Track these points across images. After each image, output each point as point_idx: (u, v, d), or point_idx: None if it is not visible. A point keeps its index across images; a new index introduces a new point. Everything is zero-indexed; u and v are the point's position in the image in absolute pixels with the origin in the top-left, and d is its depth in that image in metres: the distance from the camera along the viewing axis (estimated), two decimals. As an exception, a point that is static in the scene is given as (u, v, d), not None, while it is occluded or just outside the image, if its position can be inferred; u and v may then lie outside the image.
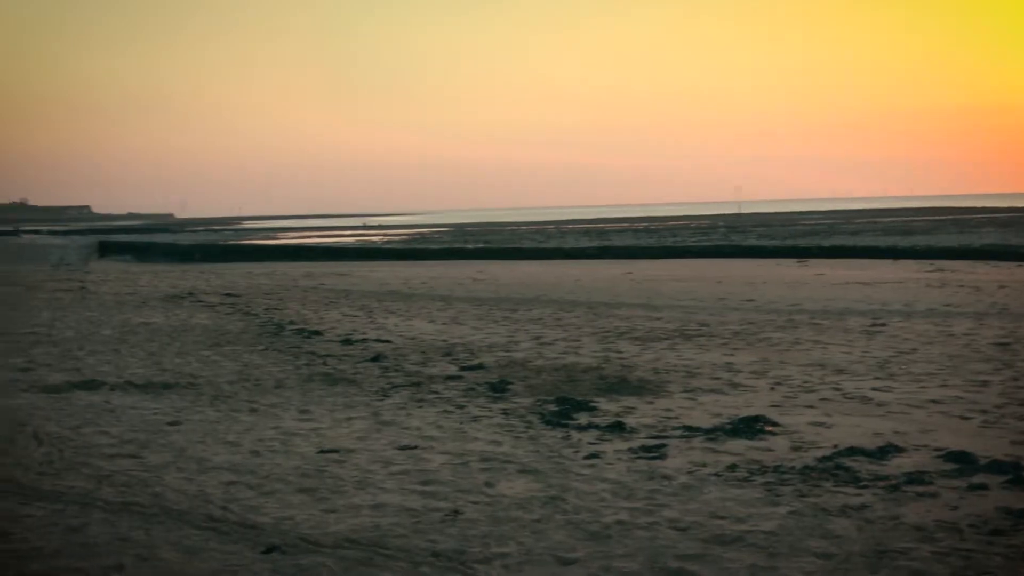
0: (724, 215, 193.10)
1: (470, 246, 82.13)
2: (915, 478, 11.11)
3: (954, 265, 49.39)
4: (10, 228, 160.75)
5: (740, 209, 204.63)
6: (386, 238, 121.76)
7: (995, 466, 11.41)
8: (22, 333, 25.13)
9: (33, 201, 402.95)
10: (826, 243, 76.53)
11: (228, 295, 36.86)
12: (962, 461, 11.69)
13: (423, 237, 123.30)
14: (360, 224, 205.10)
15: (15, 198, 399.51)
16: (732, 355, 20.42)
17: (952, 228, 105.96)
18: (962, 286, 35.50)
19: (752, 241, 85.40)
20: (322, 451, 12.63)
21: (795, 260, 56.54)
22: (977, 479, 11.00)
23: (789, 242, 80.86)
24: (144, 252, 72.57)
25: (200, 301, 34.43)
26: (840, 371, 18.27)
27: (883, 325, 24.75)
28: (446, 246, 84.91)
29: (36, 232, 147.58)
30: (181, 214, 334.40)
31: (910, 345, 21.29)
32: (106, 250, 72.25)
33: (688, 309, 29.60)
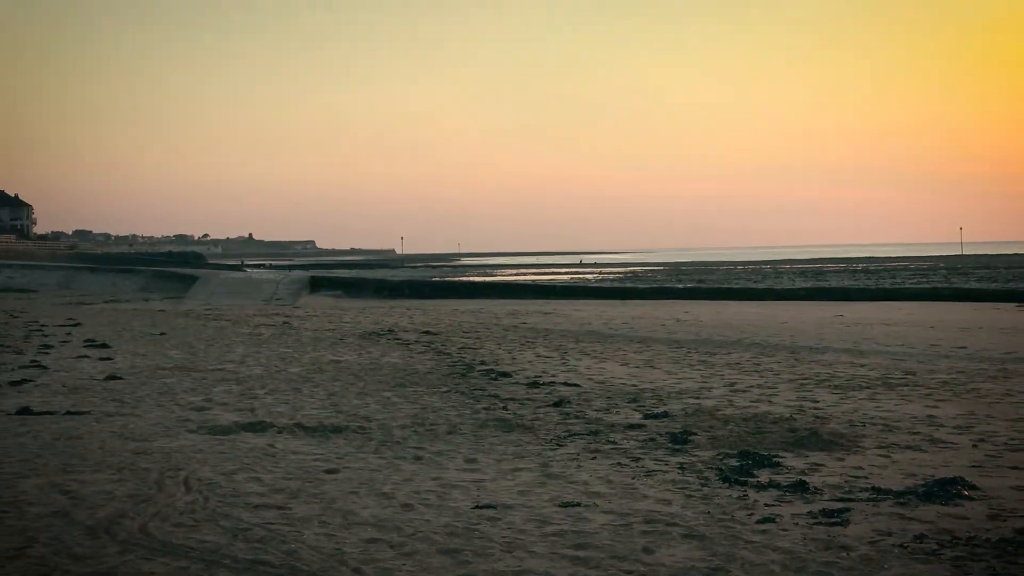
0: (946, 256, 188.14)
1: (679, 286, 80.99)
2: None
3: None
4: (236, 262, 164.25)
5: (963, 250, 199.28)
6: (599, 276, 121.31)
7: None
8: (211, 370, 25.02)
9: (258, 236, 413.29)
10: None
11: (426, 332, 36.55)
12: None
13: (635, 275, 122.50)
14: (577, 262, 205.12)
15: (243, 233, 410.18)
16: (936, 407, 19.16)
17: None
18: None
19: (972, 284, 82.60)
20: (478, 506, 11.91)
21: (1016, 304, 54.32)
22: None
23: (1011, 285, 78.01)
24: (354, 288, 73.12)
25: (397, 339, 34.16)
26: None
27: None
28: (655, 285, 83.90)
29: (260, 266, 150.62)
30: (402, 250, 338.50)
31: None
32: (317, 285, 72.93)
33: (895, 355, 28.25)
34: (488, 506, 11.92)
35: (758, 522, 11.27)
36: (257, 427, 17.07)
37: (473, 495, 12.50)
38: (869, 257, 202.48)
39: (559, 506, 11.97)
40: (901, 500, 12.14)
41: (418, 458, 14.82)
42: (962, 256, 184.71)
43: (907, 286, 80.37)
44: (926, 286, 77.87)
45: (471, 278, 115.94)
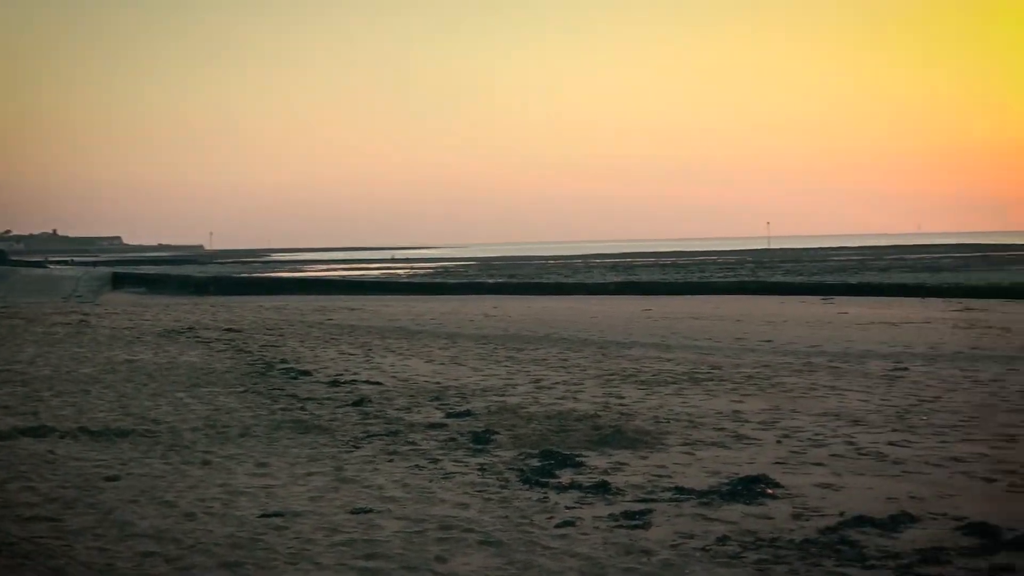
0: (753, 250, 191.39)
1: (490, 281, 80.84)
2: (929, 556, 9.69)
3: (983, 304, 47.89)
4: (39, 258, 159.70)
5: (769, 244, 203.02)
6: (411, 272, 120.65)
7: (1022, 543, 9.98)
8: (-4, 371, 23.85)
9: (64, 231, 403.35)
10: (853, 280, 75.02)
11: (229, 330, 35.56)
12: (984, 535, 10.26)
13: (447, 271, 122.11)
14: (388, 257, 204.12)
15: (47, 228, 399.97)
16: (741, 402, 19.00)
17: (982, 265, 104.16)
18: (990, 327, 34.01)
19: (779, 277, 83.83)
20: (265, 515, 11.27)
21: (820, 298, 55.12)
22: (1000, 559, 9.57)
23: (816, 279, 79.35)
24: (158, 284, 71.48)
25: (198, 337, 33.14)
26: (856, 422, 16.83)
27: (905, 370, 23.30)
28: (466, 280, 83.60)
29: (64, 263, 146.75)
30: (211, 246, 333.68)
31: (933, 392, 19.84)
32: (120, 282, 71.13)
33: (702, 350, 28.21)
34: (276, 514, 11.29)
35: (557, 526, 10.83)
36: (38, 432, 16.14)
37: (261, 502, 11.86)
38: (679, 251, 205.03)
39: (351, 513, 11.40)
40: (704, 500, 11.82)
41: (206, 463, 14.11)
42: (769, 250, 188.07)
43: (715, 279, 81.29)
44: (733, 280, 78.82)
45: (280, 274, 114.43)
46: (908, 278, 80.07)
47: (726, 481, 12.61)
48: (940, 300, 52.11)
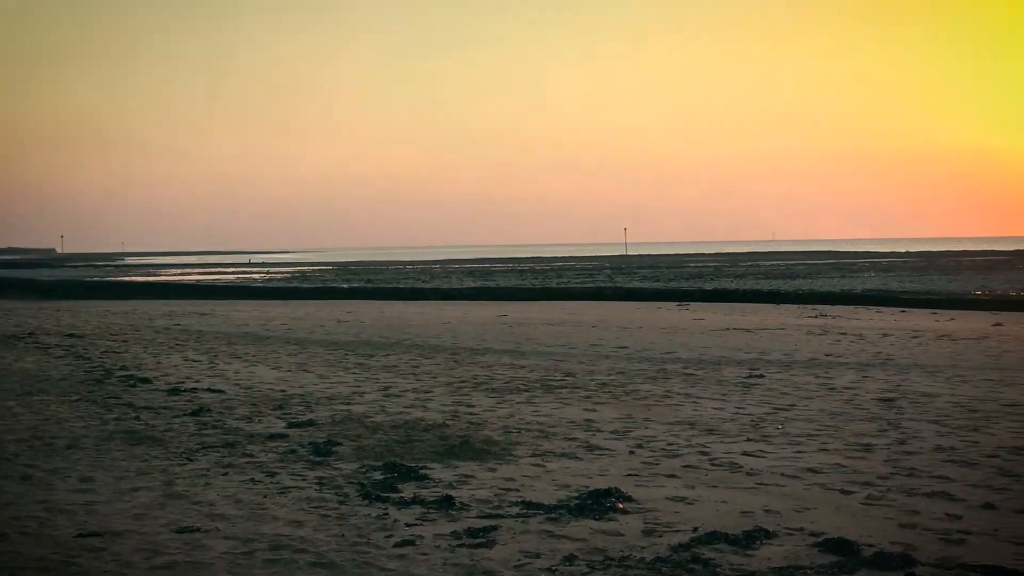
0: (612, 256, 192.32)
1: (344, 285, 79.90)
2: (786, 575, 9.24)
3: (836, 311, 48.16)
4: None
5: (627, 250, 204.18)
6: (267, 276, 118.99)
7: (880, 559, 9.57)
8: None
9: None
10: (708, 286, 75.39)
11: (71, 335, 34.37)
12: (842, 552, 9.84)
13: (304, 275, 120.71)
14: (246, 262, 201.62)
15: None
16: (594, 410, 18.51)
17: (834, 273, 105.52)
18: (844, 334, 34.01)
19: (636, 283, 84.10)
20: (82, 534, 10.49)
21: (676, 304, 55.13)
22: (859, 577, 9.15)
23: (672, 284, 79.70)
24: (0, 288, 69.37)
25: (37, 342, 31.94)
26: (710, 431, 16.42)
27: (760, 376, 23.02)
28: (320, 285, 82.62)
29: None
30: (63, 249, 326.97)
31: (788, 400, 19.54)
32: (-39, 286, 68.91)
33: (556, 356, 27.72)
34: (94, 533, 10.52)
35: (396, 545, 10.20)
36: None
37: (80, 521, 11.07)
38: (537, 257, 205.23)
39: (176, 532, 10.65)
40: (552, 515, 11.26)
41: (27, 477, 13.25)
42: (627, 256, 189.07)
43: (573, 285, 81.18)
44: (591, 286, 78.77)
45: (131, 278, 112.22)
46: (764, 284, 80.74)
47: (576, 495, 12.08)
48: (795, 306, 52.34)
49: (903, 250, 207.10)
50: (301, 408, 18.84)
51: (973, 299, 58.18)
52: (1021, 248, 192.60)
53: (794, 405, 18.94)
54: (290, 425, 17.03)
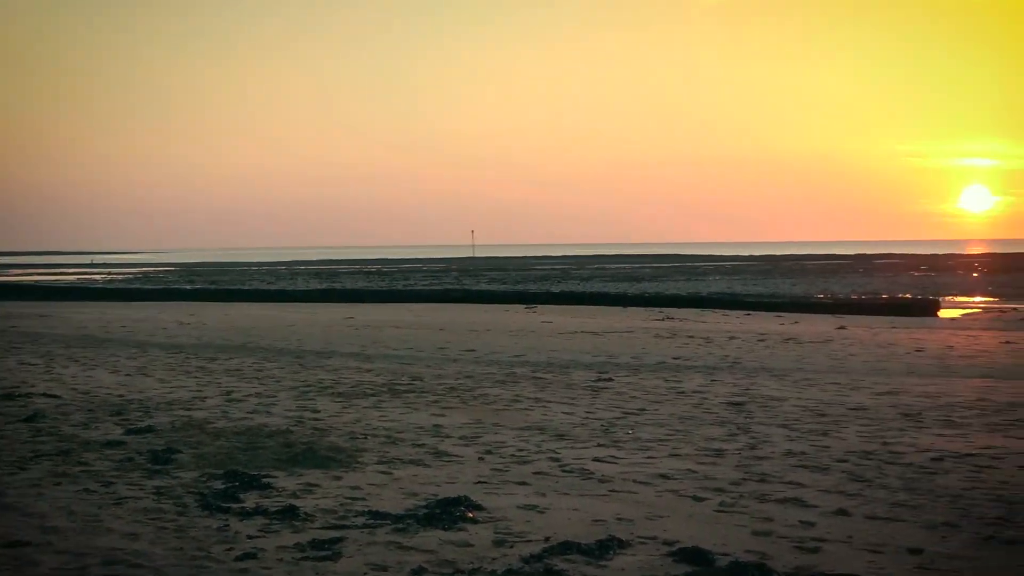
0: (459, 258, 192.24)
1: (188, 287, 78.63)
2: (640, 587, 9.00)
3: (683, 313, 48.48)
4: None
5: (474, 252, 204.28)
6: (109, 277, 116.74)
7: (736, 569, 9.37)
8: None
9: None
10: (556, 289, 75.53)
11: (-101, 338, 33.14)
12: (696, 561, 9.62)
13: (147, 276, 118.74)
14: (88, 262, 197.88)
15: None
16: (443, 415, 18.17)
17: (680, 276, 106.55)
18: (691, 337, 34.13)
19: (483, 286, 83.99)
20: (-100, 551, 9.89)
21: (524, 306, 55.07)
22: (715, 589, 8.93)
23: (520, 287, 79.72)
24: None
25: None
26: (560, 436, 16.17)
27: (609, 380, 22.88)
28: (163, 286, 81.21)
29: None
30: None
31: (638, 404, 19.39)
32: None
33: (403, 360, 27.35)
34: (-87, 550, 9.92)
35: (237, 559, 9.76)
36: None
37: (-101, 536, 10.44)
38: (384, 259, 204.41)
39: (5, 546, 10.09)
40: (400, 526, 10.90)
41: None
42: (474, 258, 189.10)
43: (420, 287, 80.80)
44: (438, 288, 78.49)
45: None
46: (611, 287, 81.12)
47: (424, 504, 11.73)
48: (642, 309, 52.58)
49: (747, 253, 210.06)
50: (140, 414, 18.22)
51: (816, 302, 58.99)
52: (862, 252, 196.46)
53: (644, 409, 18.80)
54: (128, 432, 16.43)
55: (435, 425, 17.11)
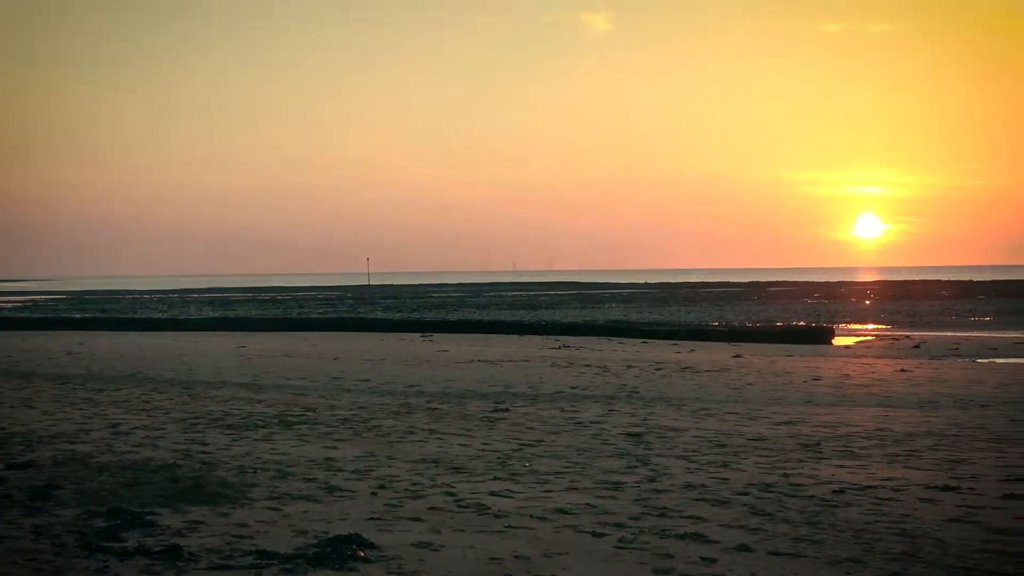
0: (354, 286, 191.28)
1: (77, 315, 77.35)
2: (539, 630, 8.64)
3: (580, 342, 48.32)
4: None
5: (370, 280, 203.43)
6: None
7: (637, 610, 9.05)
8: None
9: None
10: (452, 317, 75.23)
11: None
12: (596, 602, 9.29)
13: (35, 304, 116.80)
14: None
15: None
16: (335, 448, 17.72)
17: (576, 303, 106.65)
18: (588, 365, 33.92)
19: (379, 314, 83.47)
20: None
21: (420, 335, 54.66)
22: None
23: (415, 315, 79.30)
24: None
25: None
26: (456, 469, 15.80)
27: (506, 411, 22.55)
28: (52, 315, 79.79)
29: None
30: None
31: (535, 435, 19.08)
32: None
33: (296, 390, 26.84)
34: None
35: (115, 604, 9.28)
36: None
37: None
38: (278, 287, 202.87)
39: None
40: (289, 566, 10.46)
41: None
42: (370, 286, 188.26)
43: (315, 315, 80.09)
44: (333, 316, 77.86)
45: None
46: (507, 315, 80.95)
47: (314, 542, 11.29)
48: (539, 337, 52.39)
49: (642, 281, 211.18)
50: (21, 448, 17.57)
51: (712, 330, 59.19)
52: (756, 280, 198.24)
53: (541, 441, 18.48)
54: (8, 467, 15.79)
55: (327, 458, 16.66)
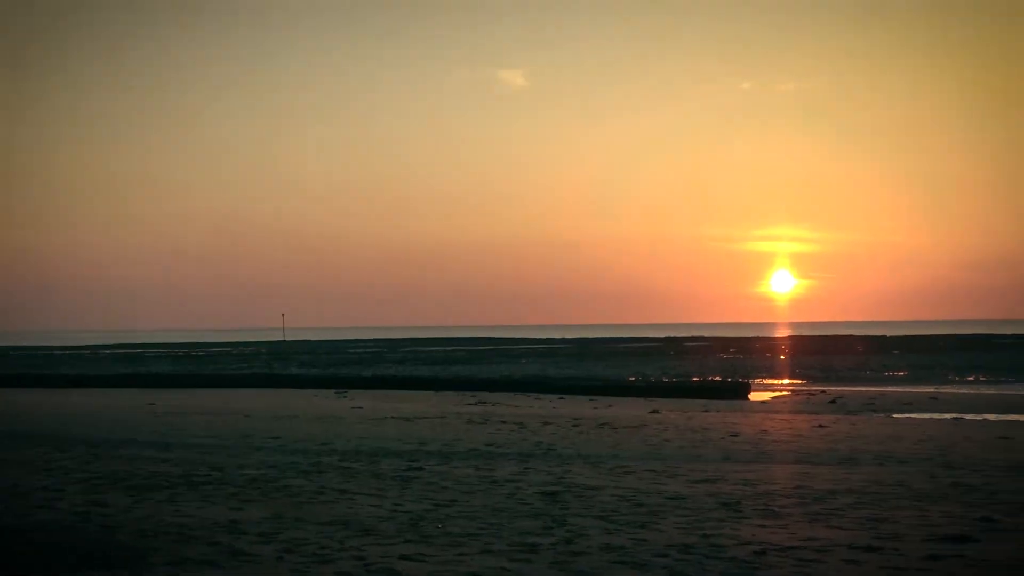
0: (269, 342, 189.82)
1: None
2: None
3: (496, 397, 47.92)
4: None
5: (284, 336, 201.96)
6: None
7: None
8: None
9: None
10: (367, 372, 74.60)
11: None
12: (510, 675, 8.80)
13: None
14: None
15: None
16: (241, 509, 17.09)
17: (493, 358, 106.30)
18: (504, 422, 33.47)
19: (294, 370, 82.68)
20: None
21: (335, 391, 54.03)
22: None
23: (331, 371, 78.57)
24: None
25: None
26: (366, 531, 15.23)
27: (420, 469, 22.01)
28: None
29: None
30: None
31: (448, 495, 18.55)
32: None
33: (204, 448, 26.13)
34: None
35: None
36: None
37: None
38: (191, 342, 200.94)
39: None
40: (185, 638, 9.89)
41: None
42: (285, 342, 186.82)
43: (229, 371, 79.10)
44: (247, 372, 76.95)
45: None
46: (423, 370, 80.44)
47: (214, 611, 10.72)
48: (454, 393, 51.90)
49: (559, 336, 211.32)
50: (-90, 511, 16.82)
51: (629, 385, 59.00)
52: (672, 335, 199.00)
53: (455, 500, 17.97)
54: None
55: (232, 520, 16.03)
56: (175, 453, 25.06)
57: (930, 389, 61.12)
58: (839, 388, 61.28)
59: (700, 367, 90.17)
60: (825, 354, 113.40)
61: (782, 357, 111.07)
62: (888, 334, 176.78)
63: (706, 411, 40.70)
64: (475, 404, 43.01)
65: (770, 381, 72.98)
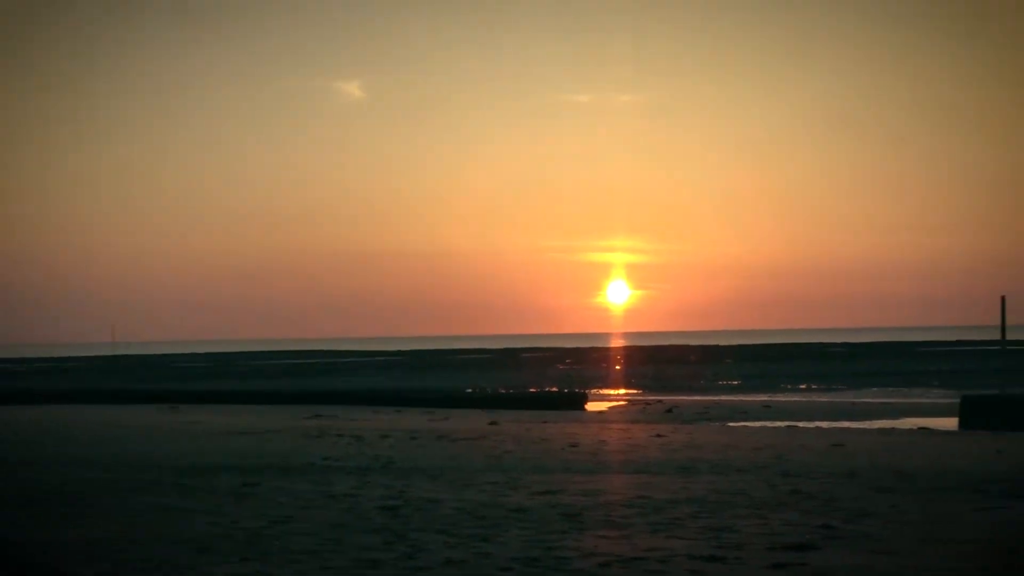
0: (99, 356, 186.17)
1: None
2: None
3: (333, 411, 47.45)
4: None
5: (115, 349, 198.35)
6: None
7: None
8: None
9: None
10: (202, 386, 73.46)
11: None
12: None
13: None
14: None
15: None
16: (68, 528, 16.54)
17: (330, 372, 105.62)
18: (341, 435, 33.07)
19: (124, 383, 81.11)
20: None
21: (168, 405, 53.04)
22: None
23: (163, 385, 77.29)
24: None
25: None
26: (202, 549, 14.81)
27: (256, 484, 21.56)
28: None
29: None
30: None
31: (285, 511, 18.14)
32: None
33: (35, 468, 25.34)
34: None
35: None
36: None
37: None
38: (8, 358, 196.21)
39: None
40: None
41: None
42: (115, 356, 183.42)
43: (52, 387, 77.38)
44: (72, 388, 75.27)
45: None
46: (261, 383, 79.55)
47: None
48: (291, 406, 51.34)
49: (395, 348, 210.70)
50: None
51: (466, 396, 58.91)
52: (509, 346, 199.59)
53: (292, 517, 17.58)
54: None
55: (61, 542, 15.50)
56: None
57: (763, 397, 61.99)
58: (675, 397, 61.83)
59: (538, 378, 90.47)
60: (660, 363, 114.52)
61: (618, 367, 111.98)
62: (721, 343, 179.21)
63: (545, 422, 40.68)
64: (311, 418, 42.48)
65: (607, 391, 73.45)
